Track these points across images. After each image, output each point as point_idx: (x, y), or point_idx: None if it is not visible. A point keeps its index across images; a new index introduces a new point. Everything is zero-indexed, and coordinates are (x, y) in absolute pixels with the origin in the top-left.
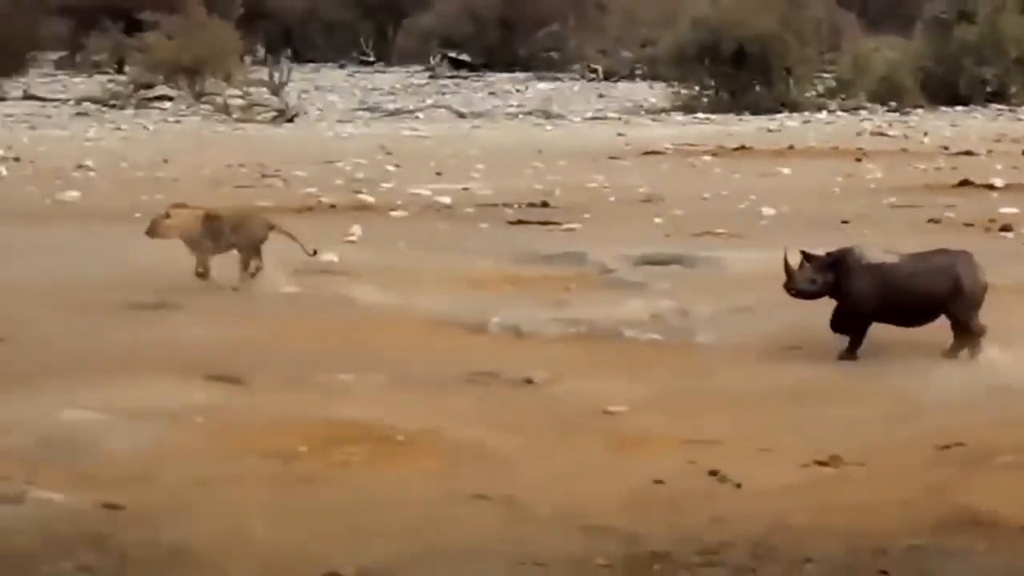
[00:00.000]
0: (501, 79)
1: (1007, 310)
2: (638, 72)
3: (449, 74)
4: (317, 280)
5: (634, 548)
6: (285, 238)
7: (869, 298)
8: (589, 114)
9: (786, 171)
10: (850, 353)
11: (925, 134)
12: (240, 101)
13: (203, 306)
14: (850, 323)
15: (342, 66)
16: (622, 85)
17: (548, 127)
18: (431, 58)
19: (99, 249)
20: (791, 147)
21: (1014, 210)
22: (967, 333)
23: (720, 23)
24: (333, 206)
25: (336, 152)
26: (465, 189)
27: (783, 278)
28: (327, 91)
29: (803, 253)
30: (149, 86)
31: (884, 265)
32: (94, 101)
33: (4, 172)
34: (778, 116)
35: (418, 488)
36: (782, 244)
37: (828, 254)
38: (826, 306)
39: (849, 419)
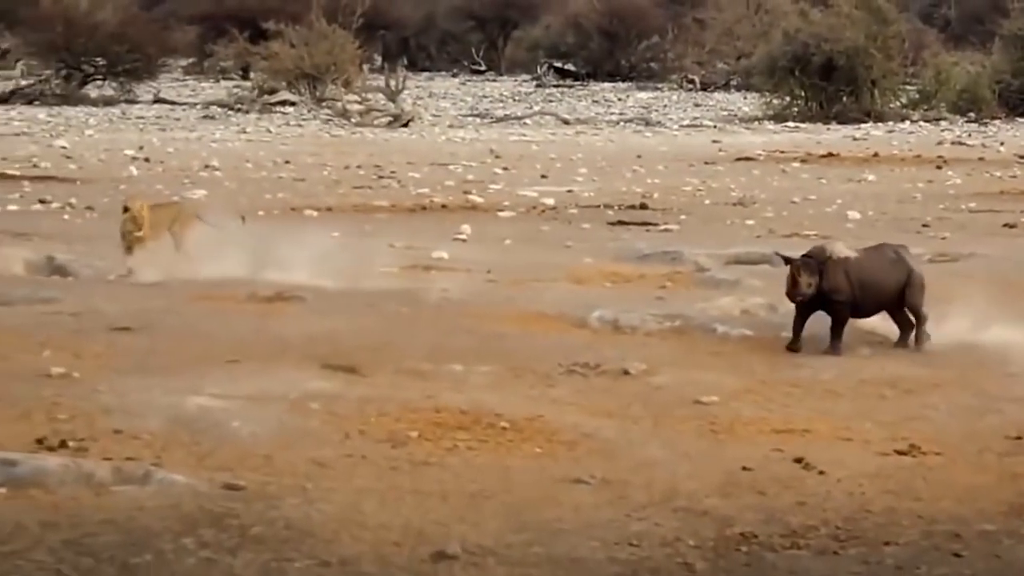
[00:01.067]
0: (604, 88)
1: None
2: (733, 83)
3: (555, 83)
4: (429, 275)
5: (723, 530)
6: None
7: (847, 292)
8: (686, 122)
9: (871, 177)
10: (834, 348)
11: (1002, 143)
12: (358, 106)
13: (320, 299)
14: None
15: (455, 75)
16: (718, 95)
17: (647, 134)
18: (538, 68)
19: (222, 244)
20: (876, 155)
21: None
22: (919, 321)
23: (810, 37)
24: (444, 206)
25: (448, 155)
26: (569, 191)
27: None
28: (440, 98)
29: (780, 256)
30: (272, 91)
31: (850, 260)
32: (220, 105)
33: (135, 172)
34: (864, 125)
35: (521, 472)
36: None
37: (807, 256)
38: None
39: (928, 410)
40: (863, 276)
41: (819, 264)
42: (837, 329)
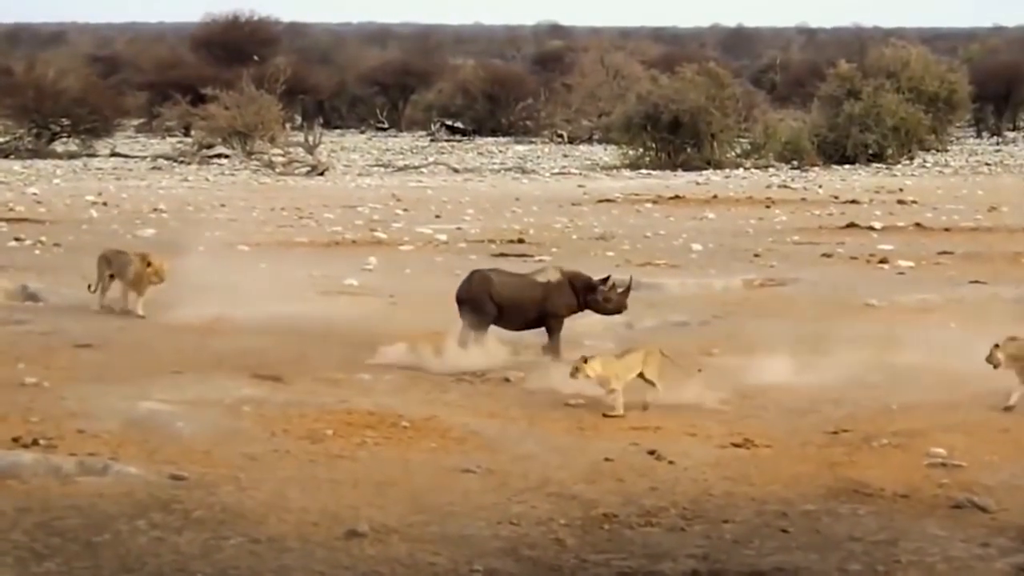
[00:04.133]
0: (487, 142)
1: (887, 323)
2: (595, 137)
3: (446, 138)
4: (342, 299)
5: (589, 511)
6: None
7: None
8: (556, 170)
9: (711, 215)
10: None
11: (820, 187)
12: (281, 159)
13: (249, 320)
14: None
15: (362, 131)
16: (582, 147)
17: (524, 180)
18: (432, 125)
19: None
20: (715, 196)
21: (889, 247)
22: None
23: (660, 98)
24: (354, 241)
25: (357, 199)
26: (458, 228)
27: (711, 299)
28: (350, 151)
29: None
30: (210, 146)
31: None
32: (166, 158)
33: (95, 214)
34: (705, 172)
35: (419, 464)
36: (709, 272)
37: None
38: (741, 317)
39: (757, 409)
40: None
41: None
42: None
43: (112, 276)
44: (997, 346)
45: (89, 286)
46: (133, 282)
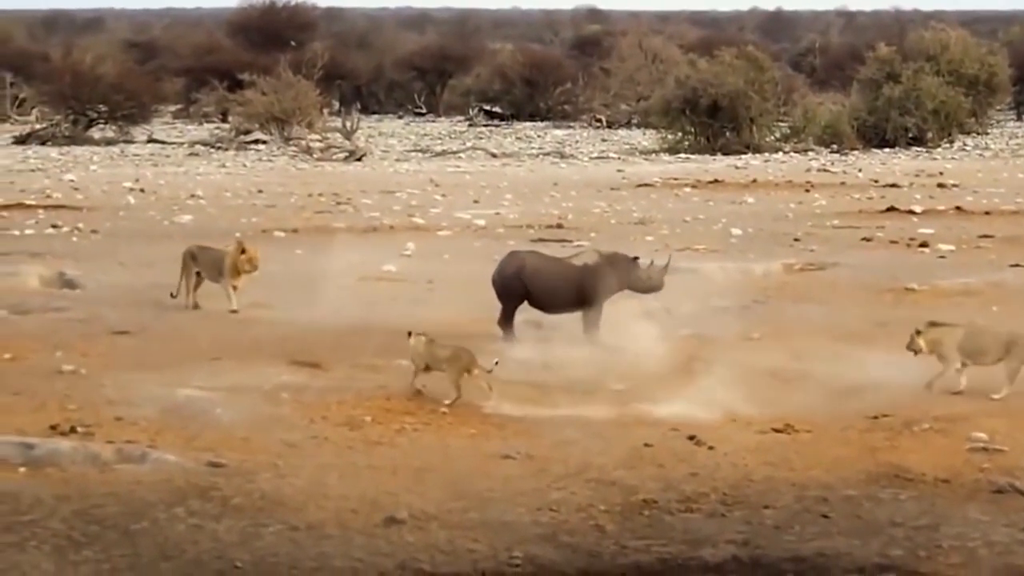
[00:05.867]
0: (525, 127)
1: (927, 307)
2: (634, 121)
3: (484, 123)
4: (380, 285)
5: (629, 497)
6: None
7: None
8: (595, 154)
9: (750, 200)
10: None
11: (860, 170)
12: (319, 144)
13: (287, 306)
14: None
15: (400, 116)
16: (621, 131)
17: (562, 165)
18: (470, 110)
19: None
20: (754, 181)
21: (930, 231)
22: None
23: (698, 83)
24: (392, 227)
25: (395, 184)
26: (497, 214)
27: (750, 284)
28: (388, 136)
29: None
30: (247, 132)
31: None
32: (203, 144)
33: (132, 201)
34: (744, 156)
35: (458, 449)
36: (749, 257)
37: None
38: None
39: (799, 393)
40: None
41: None
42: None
43: (199, 273)
44: (918, 332)
45: (172, 294)
46: (229, 271)
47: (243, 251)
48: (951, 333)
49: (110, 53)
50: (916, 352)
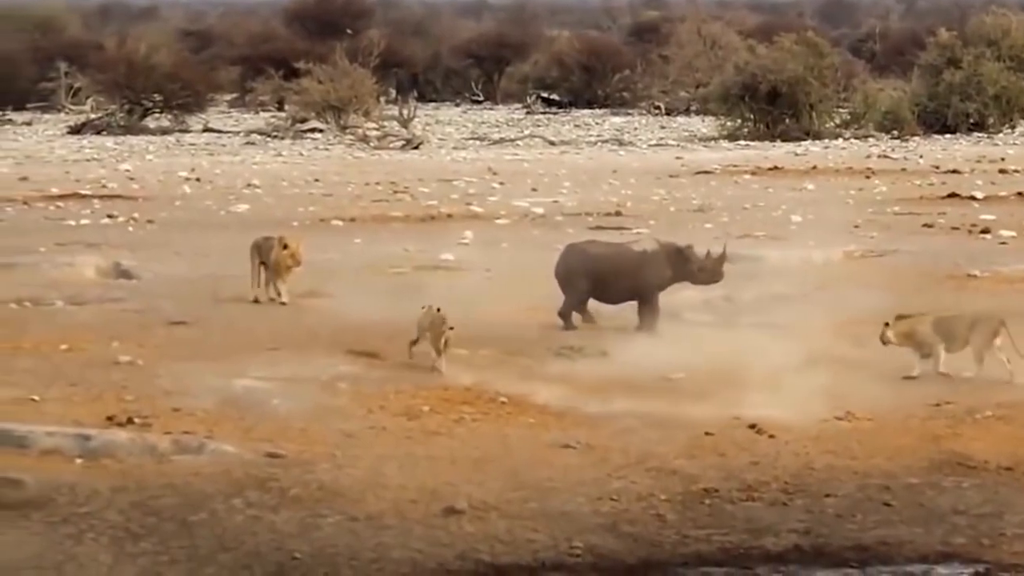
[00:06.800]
0: (583, 114)
1: (988, 293)
2: (693, 108)
3: (542, 110)
4: (437, 274)
5: (689, 486)
6: None
7: None
8: (653, 142)
9: (810, 186)
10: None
11: (921, 157)
12: (376, 132)
13: (344, 296)
14: None
15: (457, 104)
16: (680, 119)
17: (621, 152)
18: (528, 97)
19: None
20: (814, 167)
21: (991, 217)
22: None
23: (758, 69)
24: (450, 215)
25: (452, 173)
26: (555, 202)
27: (811, 271)
28: (445, 124)
29: None
30: (303, 121)
31: None
32: (260, 133)
33: (188, 190)
34: (803, 143)
35: (517, 439)
36: (809, 244)
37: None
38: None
39: (860, 381)
40: None
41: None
42: None
43: (263, 264)
44: (887, 324)
45: (256, 299)
46: (274, 267)
47: (285, 246)
48: (921, 321)
49: (165, 42)
50: (885, 343)
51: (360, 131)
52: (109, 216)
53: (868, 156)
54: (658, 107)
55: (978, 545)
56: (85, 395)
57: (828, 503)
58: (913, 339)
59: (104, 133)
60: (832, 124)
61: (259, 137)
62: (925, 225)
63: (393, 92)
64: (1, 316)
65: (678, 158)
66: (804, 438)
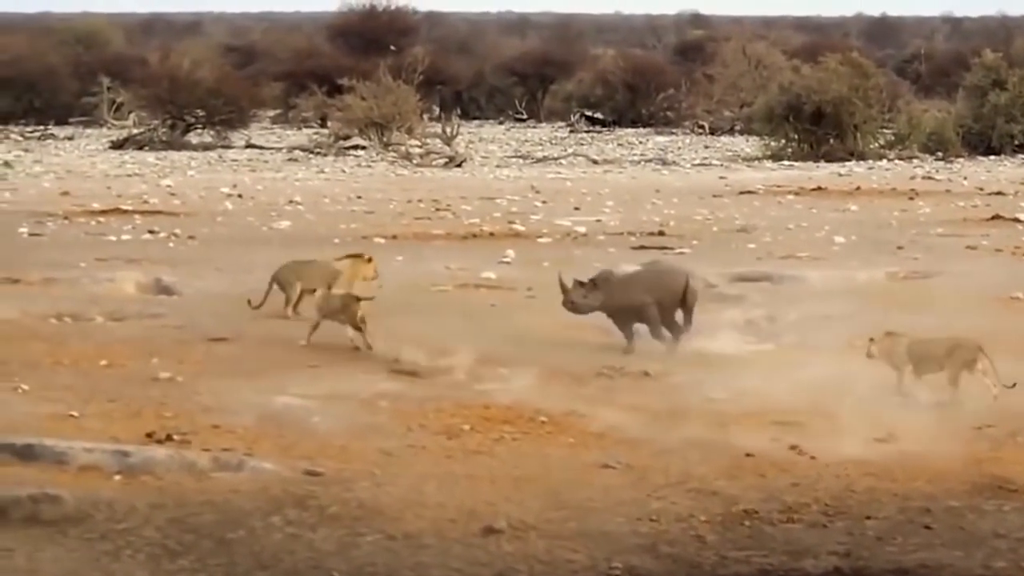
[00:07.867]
0: (627, 133)
1: None
2: (737, 128)
3: (586, 129)
4: (479, 293)
5: (730, 507)
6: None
7: None
8: (697, 161)
9: (854, 207)
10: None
11: (965, 178)
12: (419, 150)
13: (386, 312)
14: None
15: (500, 122)
16: (724, 138)
17: (664, 172)
18: (571, 116)
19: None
20: (858, 188)
21: None
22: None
23: (802, 89)
24: (492, 234)
25: (495, 191)
26: (598, 221)
27: (854, 292)
28: (488, 142)
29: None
30: (346, 137)
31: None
32: (302, 149)
33: (230, 206)
34: (847, 163)
35: (557, 459)
36: (852, 265)
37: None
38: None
39: (901, 406)
40: None
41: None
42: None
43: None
44: (872, 340)
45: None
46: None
47: (369, 260)
48: (899, 341)
49: (208, 57)
50: (870, 358)
51: (403, 148)
52: (150, 232)
53: (912, 177)
54: (702, 127)
55: (1018, 569)
56: (124, 411)
57: (868, 525)
58: (889, 358)
59: (146, 148)
60: (876, 145)
61: (301, 153)
62: (969, 247)
63: (436, 109)
64: (41, 331)
65: (721, 178)
66: (845, 460)
